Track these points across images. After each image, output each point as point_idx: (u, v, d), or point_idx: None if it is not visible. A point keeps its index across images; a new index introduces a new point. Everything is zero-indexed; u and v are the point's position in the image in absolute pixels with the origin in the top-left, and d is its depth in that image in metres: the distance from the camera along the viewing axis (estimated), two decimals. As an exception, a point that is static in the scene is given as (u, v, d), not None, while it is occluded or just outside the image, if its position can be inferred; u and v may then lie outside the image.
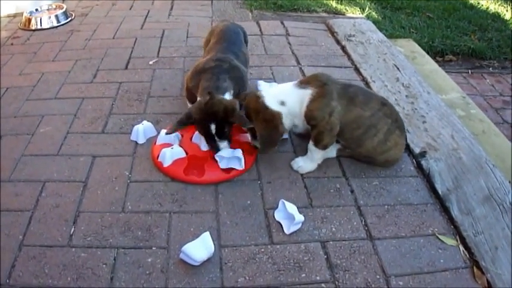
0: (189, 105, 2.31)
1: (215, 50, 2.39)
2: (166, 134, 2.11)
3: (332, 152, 2.15)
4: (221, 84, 2.14)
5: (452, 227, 1.86)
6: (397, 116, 2.10)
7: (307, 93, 1.96)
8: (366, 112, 1.98)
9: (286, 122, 2.02)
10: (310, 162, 2.09)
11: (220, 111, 2.00)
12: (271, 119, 1.99)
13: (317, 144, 2.00)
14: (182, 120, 2.05)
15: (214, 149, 2.08)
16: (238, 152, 2.05)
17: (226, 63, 2.24)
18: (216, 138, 2.04)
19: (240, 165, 2.04)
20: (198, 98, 2.16)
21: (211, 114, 2.00)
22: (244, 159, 2.05)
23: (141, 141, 2.25)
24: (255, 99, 2.02)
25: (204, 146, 2.15)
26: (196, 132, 2.19)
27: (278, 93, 2.04)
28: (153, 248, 1.70)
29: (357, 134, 2.01)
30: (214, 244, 1.67)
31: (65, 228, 1.78)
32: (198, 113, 2.03)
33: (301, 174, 2.08)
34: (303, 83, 2.02)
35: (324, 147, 2.02)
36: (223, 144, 2.06)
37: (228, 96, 2.14)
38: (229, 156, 2.04)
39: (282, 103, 1.99)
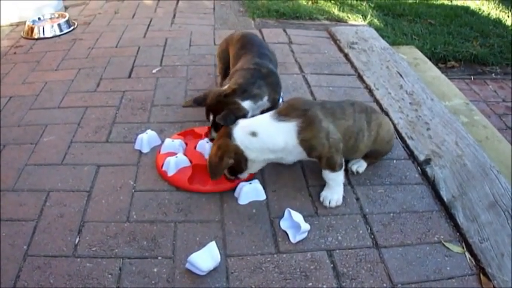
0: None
1: (248, 54, 2.34)
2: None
3: (362, 164, 2.15)
4: (252, 89, 2.12)
5: (458, 234, 1.86)
6: (364, 106, 2.06)
7: (291, 126, 1.83)
8: (349, 121, 1.93)
9: (256, 156, 1.89)
10: (337, 188, 1.97)
11: (220, 110, 2.01)
12: (223, 150, 1.86)
13: (333, 169, 1.91)
14: (199, 99, 2.15)
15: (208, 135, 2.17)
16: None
17: (264, 68, 2.22)
18: (212, 128, 2.11)
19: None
20: (226, 85, 2.15)
21: (215, 108, 2.05)
22: None
23: (145, 150, 2.25)
24: (226, 128, 1.91)
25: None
26: (201, 141, 2.19)
27: (250, 123, 1.90)
28: (159, 258, 1.70)
29: (351, 143, 1.96)
30: (220, 253, 1.66)
31: (70, 238, 1.77)
32: (210, 98, 2.10)
33: (306, 183, 2.07)
34: (282, 115, 1.87)
35: (340, 167, 1.92)
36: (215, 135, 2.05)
37: (263, 101, 2.17)
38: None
39: (253, 134, 1.85)
